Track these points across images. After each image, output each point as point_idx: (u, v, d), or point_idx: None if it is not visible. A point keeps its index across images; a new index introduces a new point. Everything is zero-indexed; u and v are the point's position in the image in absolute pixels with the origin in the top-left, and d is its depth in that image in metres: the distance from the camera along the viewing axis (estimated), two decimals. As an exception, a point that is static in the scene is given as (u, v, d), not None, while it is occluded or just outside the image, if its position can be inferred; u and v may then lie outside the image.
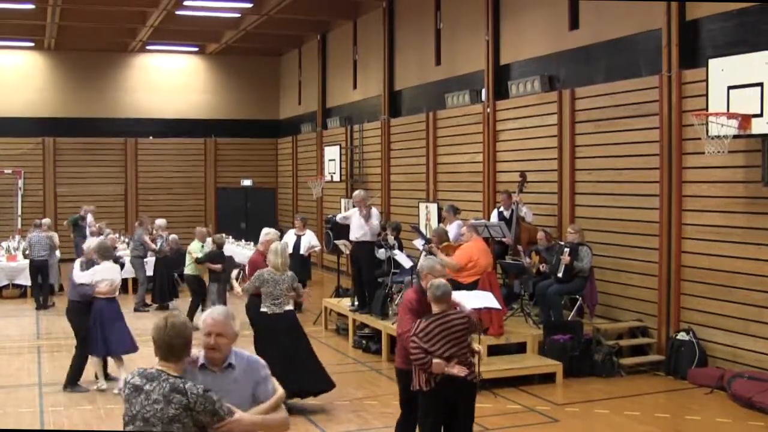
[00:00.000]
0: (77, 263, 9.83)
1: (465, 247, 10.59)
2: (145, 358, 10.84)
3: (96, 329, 9.32)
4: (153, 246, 15.79)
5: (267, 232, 10.15)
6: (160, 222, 16.32)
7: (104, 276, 9.42)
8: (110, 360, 9.73)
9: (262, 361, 4.30)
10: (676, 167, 10.47)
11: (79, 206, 20.41)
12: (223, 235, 14.82)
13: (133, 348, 9.57)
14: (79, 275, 9.51)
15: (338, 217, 13.07)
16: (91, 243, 10.16)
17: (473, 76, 14.93)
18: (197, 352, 4.15)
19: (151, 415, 3.82)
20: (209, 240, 14.28)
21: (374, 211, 12.23)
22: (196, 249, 13.79)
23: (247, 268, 10.50)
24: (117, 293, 9.68)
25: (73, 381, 9.60)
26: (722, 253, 9.90)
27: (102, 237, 13.74)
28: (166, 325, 3.95)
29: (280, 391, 4.22)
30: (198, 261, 13.62)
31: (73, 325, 9.67)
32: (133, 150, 24.27)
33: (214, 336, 4.11)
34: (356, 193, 12.37)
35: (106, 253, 9.68)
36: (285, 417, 4.20)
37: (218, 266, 13.54)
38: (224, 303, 13.23)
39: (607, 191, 11.69)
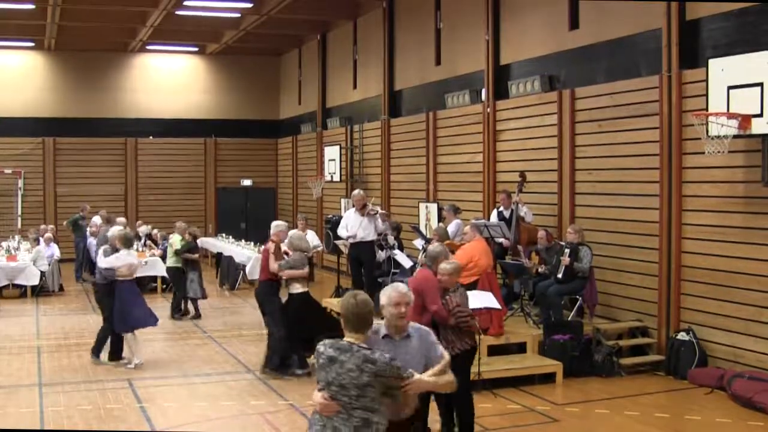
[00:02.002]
0: (101, 251, 10.90)
1: (467, 247, 10.59)
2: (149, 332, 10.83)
3: (120, 307, 10.57)
4: None
5: (277, 225, 10.78)
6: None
7: (125, 261, 10.61)
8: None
9: (430, 330, 5.03)
10: (676, 167, 10.46)
11: (79, 206, 20.43)
12: (197, 228, 15.69)
13: (153, 321, 10.86)
14: (104, 261, 10.64)
15: (343, 234, 12.96)
16: (114, 232, 11.17)
17: (473, 76, 14.93)
18: (376, 324, 4.71)
19: (347, 381, 4.34)
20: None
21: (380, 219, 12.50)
22: (177, 242, 14.58)
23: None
24: (134, 276, 10.92)
25: (96, 352, 10.98)
26: (722, 253, 9.89)
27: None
28: (357, 301, 4.50)
29: (446, 356, 4.86)
30: (177, 252, 14.42)
31: (100, 304, 11.14)
32: (133, 150, 24.26)
33: (404, 305, 4.80)
34: (355, 192, 12.47)
35: (128, 242, 10.87)
36: (452, 379, 4.79)
37: (195, 255, 14.50)
38: (203, 289, 14.46)
39: (607, 191, 11.68)
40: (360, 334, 4.47)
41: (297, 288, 9.98)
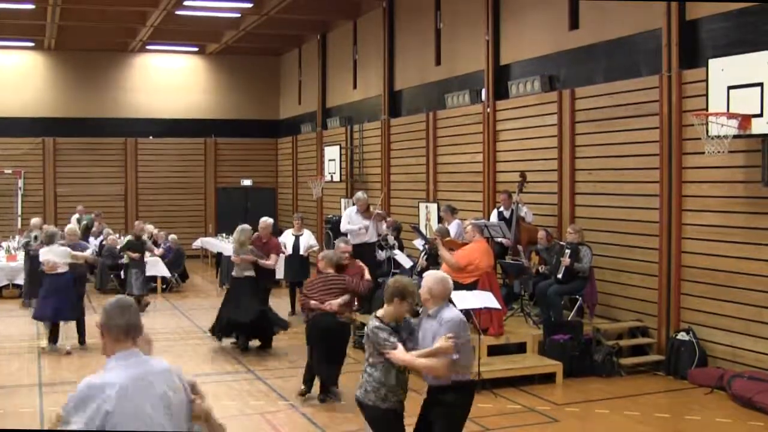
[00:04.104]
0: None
1: (468, 248, 10.57)
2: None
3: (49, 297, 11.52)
4: None
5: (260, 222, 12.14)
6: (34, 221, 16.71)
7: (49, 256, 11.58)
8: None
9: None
10: (676, 167, 10.47)
11: (81, 206, 20.43)
12: (144, 226, 16.48)
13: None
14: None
15: (345, 229, 13.09)
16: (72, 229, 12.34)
17: (473, 76, 14.93)
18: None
19: (365, 339, 5.77)
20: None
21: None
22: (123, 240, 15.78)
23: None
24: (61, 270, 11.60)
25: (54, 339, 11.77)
26: (722, 253, 9.90)
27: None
28: (394, 279, 5.73)
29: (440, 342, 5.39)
30: (120, 250, 15.46)
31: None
32: (133, 150, 24.26)
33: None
34: (359, 195, 12.51)
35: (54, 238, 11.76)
36: (433, 364, 5.36)
37: (137, 255, 14.86)
38: (143, 287, 15.02)
39: (607, 191, 11.69)
40: (388, 305, 5.55)
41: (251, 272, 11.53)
